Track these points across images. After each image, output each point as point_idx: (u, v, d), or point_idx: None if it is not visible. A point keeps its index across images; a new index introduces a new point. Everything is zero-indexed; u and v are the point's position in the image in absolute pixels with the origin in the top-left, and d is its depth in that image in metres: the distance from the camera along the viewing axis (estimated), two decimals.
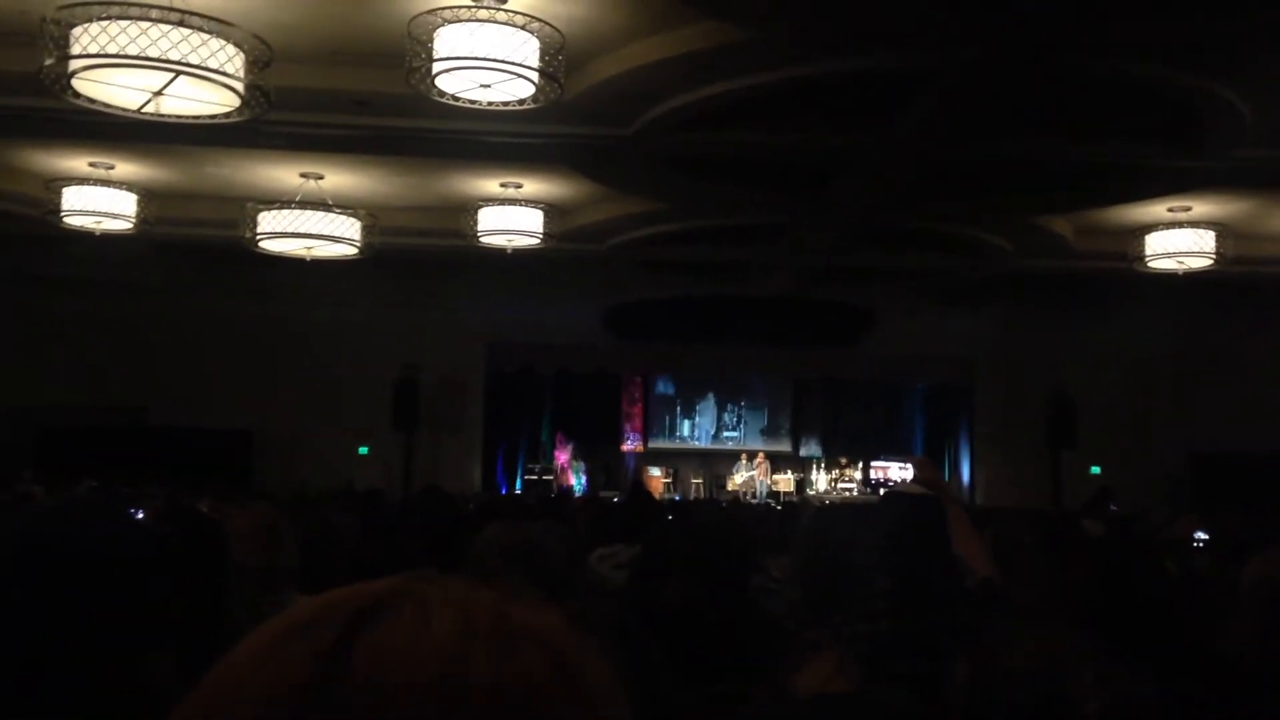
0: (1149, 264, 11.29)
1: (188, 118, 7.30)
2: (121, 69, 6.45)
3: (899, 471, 16.62)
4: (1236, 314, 14.43)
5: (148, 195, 10.55)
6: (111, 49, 6.18)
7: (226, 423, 14.82)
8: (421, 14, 6.54)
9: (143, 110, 7.03)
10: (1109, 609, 2.50)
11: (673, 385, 18.79)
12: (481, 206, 10.77)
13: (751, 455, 17.47)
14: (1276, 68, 7.51)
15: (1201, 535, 5.94)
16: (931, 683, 1.53)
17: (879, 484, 16.45)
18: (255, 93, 6.87)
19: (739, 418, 18.80)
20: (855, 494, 16.51)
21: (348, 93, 8.29)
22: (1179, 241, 11.03)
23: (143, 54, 6.20)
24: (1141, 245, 11.22)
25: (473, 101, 7.11)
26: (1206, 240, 10.94)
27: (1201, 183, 10.14)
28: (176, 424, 14.61)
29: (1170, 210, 11.00)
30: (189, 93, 6.86)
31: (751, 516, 6.59)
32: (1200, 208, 10.94)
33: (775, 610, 2.95)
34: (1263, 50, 7.28)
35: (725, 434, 18.74)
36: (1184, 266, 11.20)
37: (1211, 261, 11.00)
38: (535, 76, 6.72)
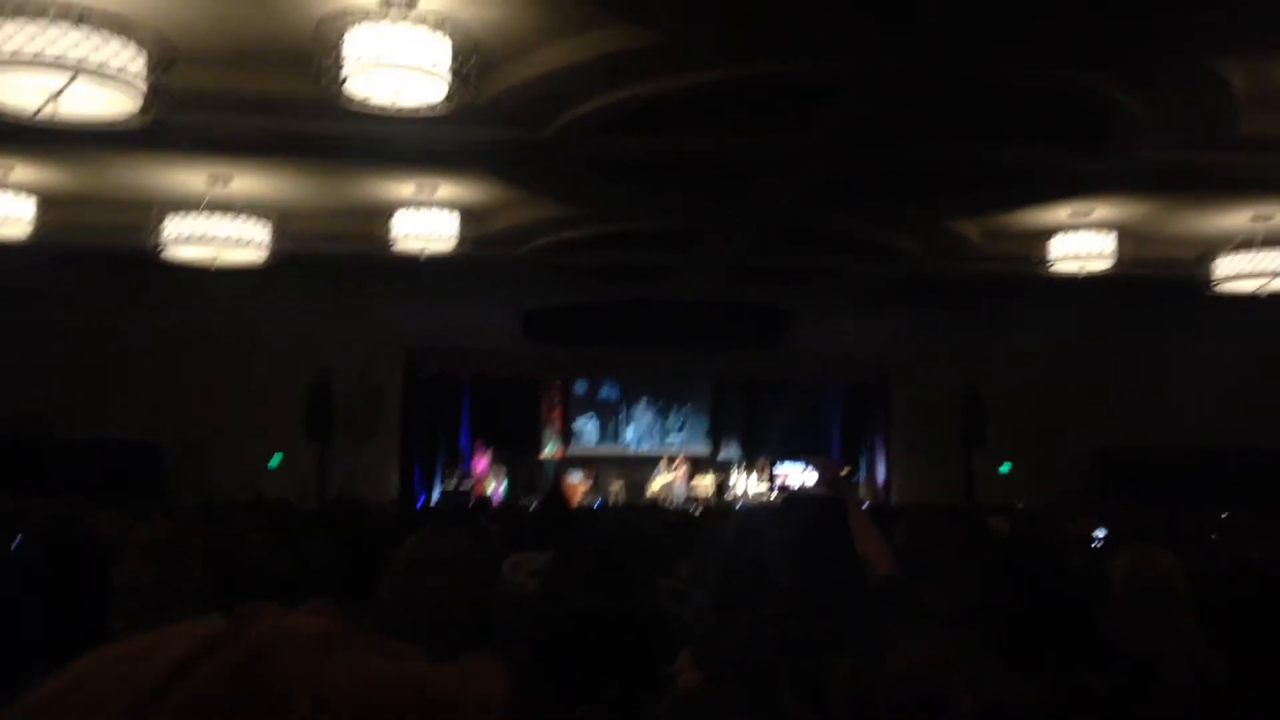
0: (1053, 266, 11.56)
1: (88, 120, 7.10)
2: (17, 69, 6.25)
3: (799, 475, 16.76)
4: (1141, 313, 14.89)
5: (47, 200, 10.22)
6: (7, 48, 5.99)
7: (134, 434, 14.40)
8: (329, 15, 6.45)
9: (40, 113, 6.82)
10: (1013, 605, 2.56)
11: (598, 389, 18.74)
12: (395, 210, 10.63)
13: (671, 459, 17.51)
14: (1176, 71, 7.76)
15: (1098, 533, 6.12)
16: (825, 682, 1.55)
17: (782, 488, 16.57)
18: (158, 94, 6.71)
19: (661, 421, 18.81)
20: (771, 496, 16.62)
21: (255, 94, 8.13)
22: (1081, 244, 11.30)
23: (39, 54, 6.02)
24: (1045, 248, 11.49)
25: (383, 107, 7.03)
26: (1107, 243, 11.24)
27: (1103, 186, 10.42)
28: (81, 436, 14.15)
29: (1072, 214, 11.29)
30: (89, 94, 6.68)
31: (665, 521, 6.60)
32: (1102, 211, 11.24)
33: (683, 614, 2.97)
34: (1162, 54, 7.52)
35: (646, 438, 18.74)
36: (1085, 269, 11.48)
37: (1112, 264, 11.31)
38: (448, 79, 6.67)
